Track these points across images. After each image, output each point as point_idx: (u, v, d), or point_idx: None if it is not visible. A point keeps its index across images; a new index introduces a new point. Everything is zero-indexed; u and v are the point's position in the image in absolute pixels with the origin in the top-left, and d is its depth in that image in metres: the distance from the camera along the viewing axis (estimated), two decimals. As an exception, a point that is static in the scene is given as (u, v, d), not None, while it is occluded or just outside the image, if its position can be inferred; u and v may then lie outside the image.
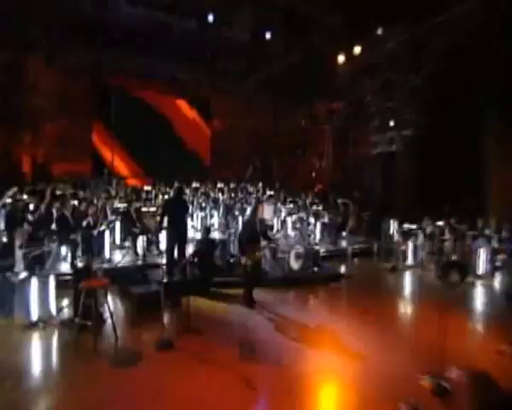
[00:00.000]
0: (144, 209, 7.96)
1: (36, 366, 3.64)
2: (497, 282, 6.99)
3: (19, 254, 4.69)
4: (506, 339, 4.28)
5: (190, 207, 9.06)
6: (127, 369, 3.54)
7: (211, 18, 12.01)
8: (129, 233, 7.34)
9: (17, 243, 4.64)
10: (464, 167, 9.26)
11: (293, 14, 12.00)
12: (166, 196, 9.64)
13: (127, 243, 7.36)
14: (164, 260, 6.51)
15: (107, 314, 4.34)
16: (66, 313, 4.58)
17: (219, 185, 14.40)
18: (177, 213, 6.27)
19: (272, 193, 13.59)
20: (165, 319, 4.71)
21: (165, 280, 5.62)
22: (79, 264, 4.71)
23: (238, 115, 17.59)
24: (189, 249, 6.90)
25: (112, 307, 4.42)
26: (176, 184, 6.60)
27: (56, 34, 12.25)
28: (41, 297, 4.28)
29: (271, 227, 9.12)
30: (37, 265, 4.47)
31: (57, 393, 3.15)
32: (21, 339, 4.03)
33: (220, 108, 17.73)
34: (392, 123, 10.33)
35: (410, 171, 9.94)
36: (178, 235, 6.24)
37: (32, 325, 4.23)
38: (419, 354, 3.96)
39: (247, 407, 3.08)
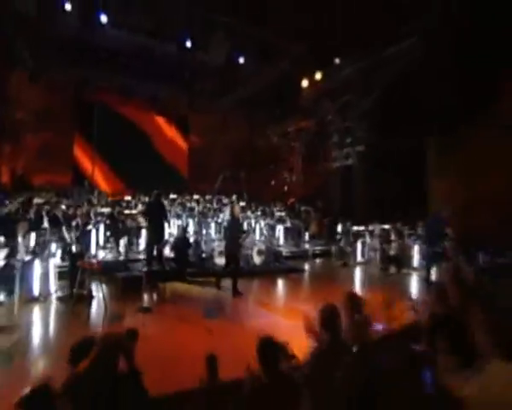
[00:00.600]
0: (126, 212, 8.99)
1: (37, 331, 4.63)
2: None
3: (20, 242, 5.65)
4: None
5: (168, 215, 10.16)
6: (114, 324, 4.59)
7: (189, 44, 13.37)
8: (112, 234, 8.36)
9: (20, 232, 5.59)
10: (409, 179, 10.82)
11: (263, 41, 13.54)
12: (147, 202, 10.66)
13: (110, 243, 8.36)
14: (144, 256, 7.58)
15: (96, 292, 5.37)
16: (64, 289, 5.57)
17: (195, 197, 15.51)
18: (156, 215, 7.39)
19: (244, 204, 14.82)
20: (145, 295, 5.77)
21: (145, 269, 6.68)
22: (74, 250, 5.72)
23: (214, 132, 18.92)
24: (166, 249, 7.98)
25: (100, 287, 5.46)
26: (155, 191, 7.69)
27: (41, 51, 13.20)
28: (42, 277, 5.27)
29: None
30: (37, 251, 5.45)
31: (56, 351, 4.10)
32: (25, 310, 4.99)
33: (197, 125, 19.02)
34: (348, 140, 11.88)
35: (364, 182, 11.44)
36: (157, 234, 7.34)
37: (34, 300, 5.20)
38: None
39: (206, 344, 4.20)
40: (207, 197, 15.76)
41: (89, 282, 5.22)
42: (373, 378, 2.06)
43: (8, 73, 13.32)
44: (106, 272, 5.97)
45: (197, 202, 14.70)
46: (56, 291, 5.49)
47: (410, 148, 10.81)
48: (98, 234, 8.39)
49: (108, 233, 8.36)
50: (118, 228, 8.37)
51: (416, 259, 8.51)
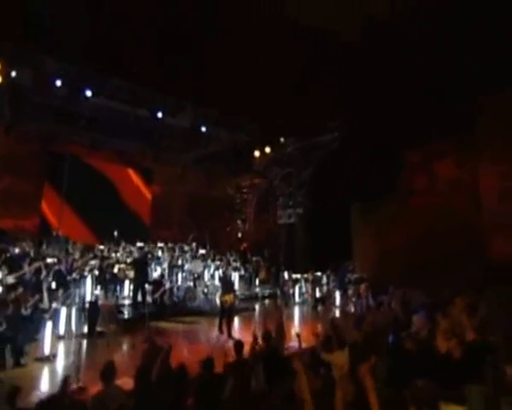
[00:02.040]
0: (115, 264, 11.21)
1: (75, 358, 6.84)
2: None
3: (45, 294, 7.78)
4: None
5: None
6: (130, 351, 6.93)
7: (160, 114, 16.14)
8: (100, 283, 10.55)
9: (44, 286, 7.75)
10: (338, 236, 14.30)
11: (223, 114, 16.76)
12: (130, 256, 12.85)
13: (98, 290, 10.53)
14: (128, 301, 9.89)
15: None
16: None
17: (160, 245, 17.81)
18: (142, 268, 9.85)
19: (204, 252, 17.37)
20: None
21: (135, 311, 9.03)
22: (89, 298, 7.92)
23: (174, 182, 21.63)
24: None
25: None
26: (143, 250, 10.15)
27: (21, 110, 15.03)
28: (67, 319, 7.49)
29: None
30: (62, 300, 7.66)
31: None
32: (56, 345, 7.13)
33: (159, 176, 21.56)
34: (290, 203, 15.27)
35: (302, 238, 14.74)
36: (141, 283, 9.76)
37: (61, 337, 7.37)
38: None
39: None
40: (169, 245, 18.11)
41: (101, 322, 7.53)
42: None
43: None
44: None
45: (161, 249, 16.99)
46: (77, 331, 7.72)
47: (338, 212, 14.40)
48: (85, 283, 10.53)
49: (97, 282, 10.52)
50: (105, 278, 10.60)
51: (337, 299, 11.73)
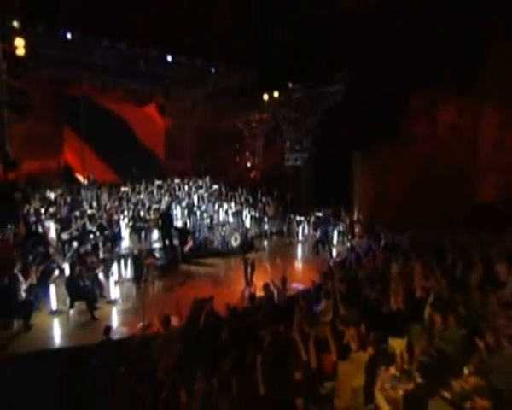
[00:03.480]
0: (146, 216, 13.43)
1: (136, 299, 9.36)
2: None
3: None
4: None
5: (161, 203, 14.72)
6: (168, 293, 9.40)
7: (169, 58, 16.79)
8: (133, 230, 12.88)
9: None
10: (340, 181, 16.02)
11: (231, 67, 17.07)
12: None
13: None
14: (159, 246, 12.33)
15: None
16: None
17: (176, 181, 19.89)
18: (167, 219, 12.07)
19: (217, 187, 19.44)
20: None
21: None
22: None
23: (184, 115, 22.86)
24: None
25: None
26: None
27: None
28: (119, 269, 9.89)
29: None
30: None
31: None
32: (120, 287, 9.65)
33: (170, 110, 22.71)
34: (297, 147, 16.75)
35: (307, 180, 16.53)
36: (168, 230, 12.05)
37: (118, 282, 9.85)
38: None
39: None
40: (185, 180, 20.15)
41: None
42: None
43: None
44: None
45: (178, 186, 19.06)
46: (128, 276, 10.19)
47: (340, 156, 15.95)
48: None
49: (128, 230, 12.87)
50: (135, 225, 12.93)
51: (335, 237, 14.05)
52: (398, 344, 5.61)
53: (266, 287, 7.56)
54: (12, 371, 5.96)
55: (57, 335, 7.53)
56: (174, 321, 6.37)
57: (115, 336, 6.88)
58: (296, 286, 9.71)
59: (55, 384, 5.50)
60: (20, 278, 7.79)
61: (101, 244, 10.43)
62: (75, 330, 7.56)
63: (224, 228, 13.57)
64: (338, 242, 14.13)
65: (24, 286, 7.79)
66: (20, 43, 11.03)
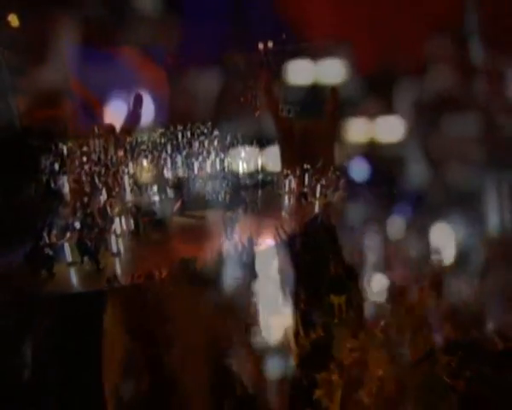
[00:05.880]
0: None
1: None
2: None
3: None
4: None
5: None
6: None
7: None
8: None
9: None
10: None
11: None
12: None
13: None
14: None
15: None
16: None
17: (179, 127, 21.67)
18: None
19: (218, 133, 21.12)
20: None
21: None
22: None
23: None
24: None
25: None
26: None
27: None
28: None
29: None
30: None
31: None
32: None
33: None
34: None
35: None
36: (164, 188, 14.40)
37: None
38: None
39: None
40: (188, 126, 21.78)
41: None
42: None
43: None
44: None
45: (181, 133, 20.79)
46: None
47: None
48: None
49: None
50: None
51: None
52: (337, 300, 8.30)
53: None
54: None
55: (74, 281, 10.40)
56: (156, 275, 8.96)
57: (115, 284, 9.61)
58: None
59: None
60: (45, 236, 10.52)
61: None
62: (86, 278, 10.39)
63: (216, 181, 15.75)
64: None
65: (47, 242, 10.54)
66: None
